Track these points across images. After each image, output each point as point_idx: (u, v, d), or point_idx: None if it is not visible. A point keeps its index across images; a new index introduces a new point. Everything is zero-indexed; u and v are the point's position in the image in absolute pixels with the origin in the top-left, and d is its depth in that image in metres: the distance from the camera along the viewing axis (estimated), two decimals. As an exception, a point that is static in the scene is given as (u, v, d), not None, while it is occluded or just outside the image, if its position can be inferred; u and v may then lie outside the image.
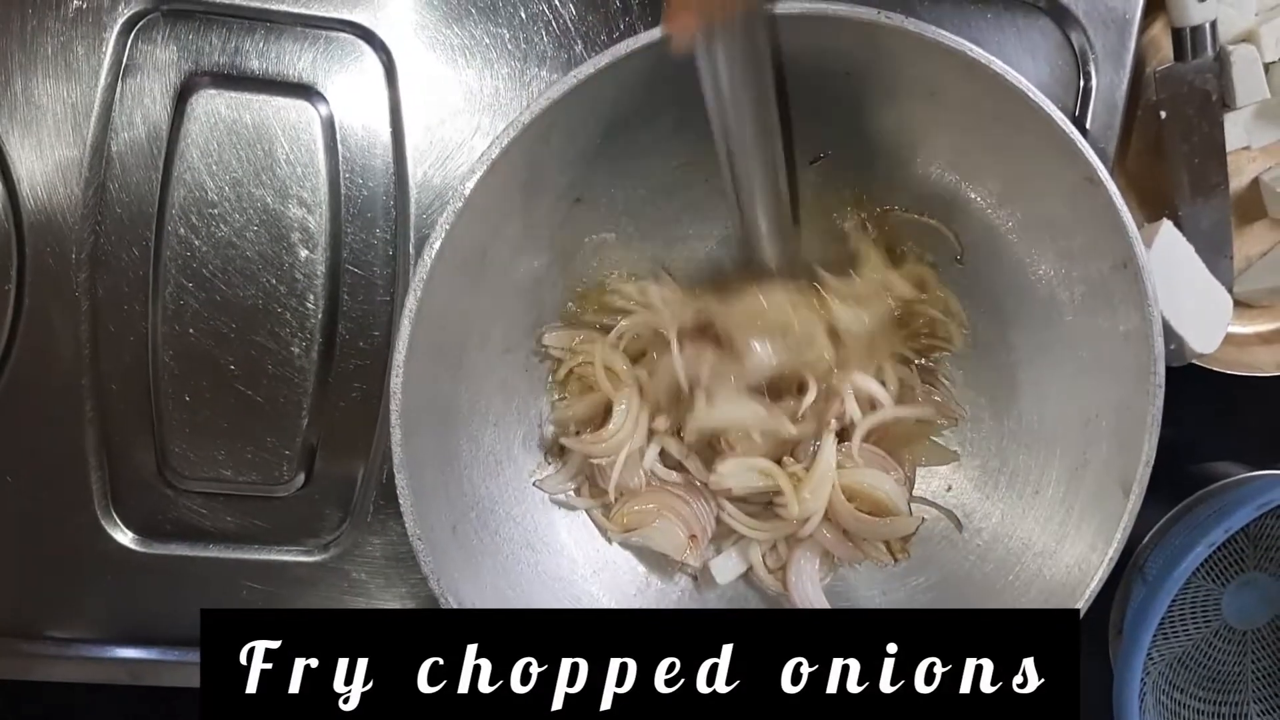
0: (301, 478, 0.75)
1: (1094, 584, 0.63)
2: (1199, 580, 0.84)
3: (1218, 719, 0.86)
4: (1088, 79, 0.74)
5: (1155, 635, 0.74)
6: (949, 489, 0.75)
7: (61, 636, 0.76)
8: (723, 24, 0.53)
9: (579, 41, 0.72)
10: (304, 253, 0.72)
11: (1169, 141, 0.79)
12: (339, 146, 0.72)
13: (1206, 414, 0.85)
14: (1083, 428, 0.66)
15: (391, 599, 0.77)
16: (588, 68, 0.57)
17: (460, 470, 0.67)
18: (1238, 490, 0.82)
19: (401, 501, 0.59)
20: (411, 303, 0.58)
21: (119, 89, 0.70)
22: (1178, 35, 0.77)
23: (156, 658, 0.77)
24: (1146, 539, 0.84)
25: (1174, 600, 0.75)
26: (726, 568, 0.73)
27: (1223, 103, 0.79)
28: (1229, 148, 0.80)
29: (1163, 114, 0.78)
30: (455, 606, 0.60)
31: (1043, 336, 0.68)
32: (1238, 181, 0.83)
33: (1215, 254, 0.80)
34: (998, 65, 0.58)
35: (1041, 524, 0.68)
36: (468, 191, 0.58)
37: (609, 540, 0.74)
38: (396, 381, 0.59)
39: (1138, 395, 0.62)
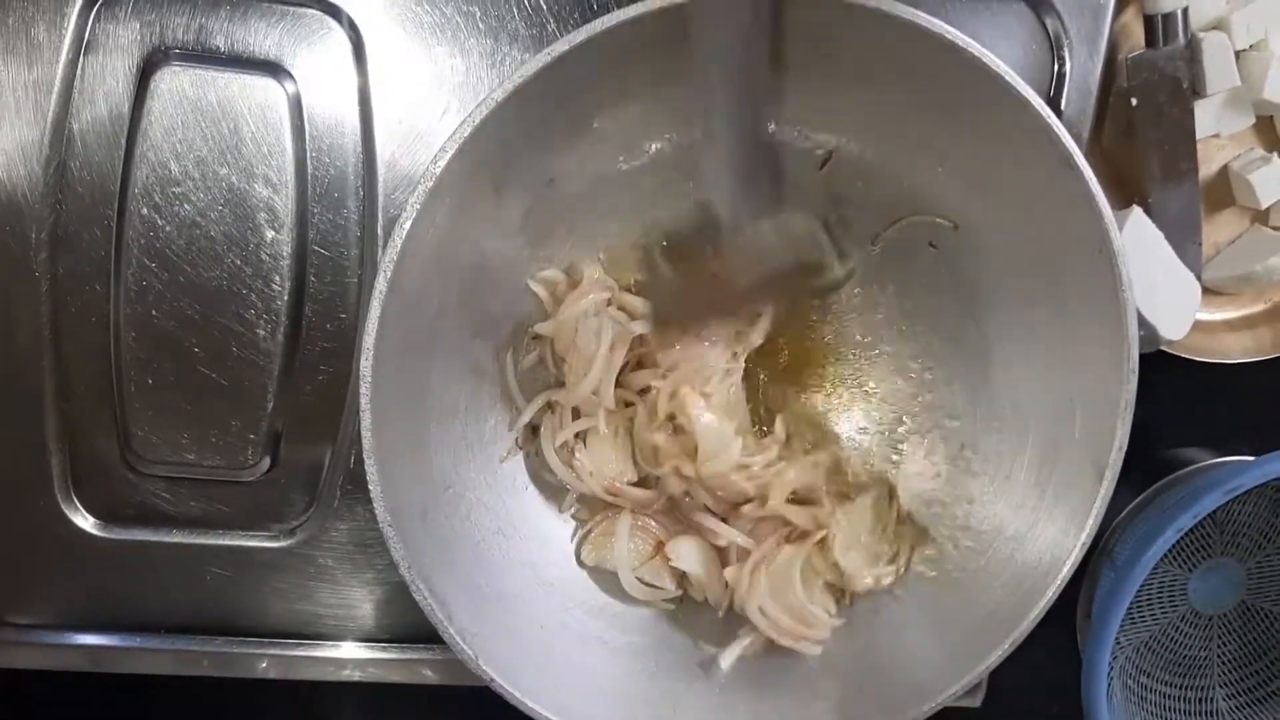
0: (266, 462, 0.74)
1: (1066, 569, 0.63)
2: (1166, 565, 0.85)
3: (1184, 703, 0.86)
4: (1061, 64, 0.73)
5: (1123, 620, 0.75)
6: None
7: (21, 622, 0.74)
8: None
9: (551, 20, 0.70)
10: (270, 233, 0.71)
11: (1139, 127, 0.78)
12: (306, 125, 0.70)
13: (1174, 400, 0.85)
14: (1055, 412, 0.66)
15: (358, 585, 0.76)
16: (563, 44, 0.56)
17: (430, 455, 0.65)
18: (1206, 476, 0.82)
19: (371, 488, 0.58)
20: (381, 284, 0.57)
21: (80, 66, 0.68)
22: (1149, 22, 0.76)
23: (119, 644, 0.76)
24: (1114, 525, 0.85)
25: (1141, 585, 0.75)
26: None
27: (1193, 90, 0.79)
28: (1199, 135, 0.80)
29: (1134, 100, 0.78)
30: (426, 593, 0.59)
31: (1015, 322, 0.68)
32: (1207, 169, 0.83)
33: (1184, 240, 0.80)
34: (975, 48, 0.58)
35: (1014, 509, 0.68)
36: (439, 171, 0.57)
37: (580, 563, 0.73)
38: (366, 365, 0.58)
39: (1111, 381, 0.62)
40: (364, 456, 0.58)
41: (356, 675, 0.78)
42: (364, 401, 0.58)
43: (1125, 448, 0.62)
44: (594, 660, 0.69)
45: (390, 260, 0.57)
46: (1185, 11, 0.76)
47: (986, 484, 0.70)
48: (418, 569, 0.60)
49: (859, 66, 0.62)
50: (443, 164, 0.57)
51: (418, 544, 0.61)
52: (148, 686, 0.78)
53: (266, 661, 0.77)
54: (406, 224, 0.57)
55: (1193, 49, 0.78)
